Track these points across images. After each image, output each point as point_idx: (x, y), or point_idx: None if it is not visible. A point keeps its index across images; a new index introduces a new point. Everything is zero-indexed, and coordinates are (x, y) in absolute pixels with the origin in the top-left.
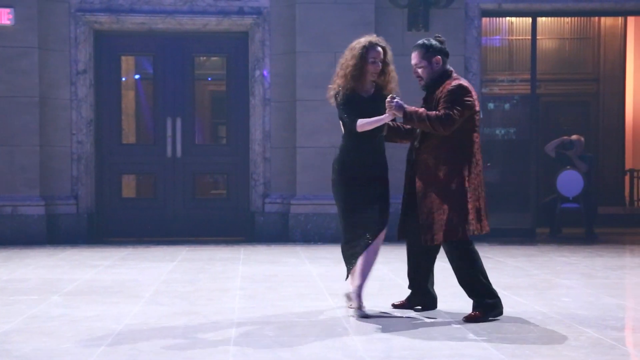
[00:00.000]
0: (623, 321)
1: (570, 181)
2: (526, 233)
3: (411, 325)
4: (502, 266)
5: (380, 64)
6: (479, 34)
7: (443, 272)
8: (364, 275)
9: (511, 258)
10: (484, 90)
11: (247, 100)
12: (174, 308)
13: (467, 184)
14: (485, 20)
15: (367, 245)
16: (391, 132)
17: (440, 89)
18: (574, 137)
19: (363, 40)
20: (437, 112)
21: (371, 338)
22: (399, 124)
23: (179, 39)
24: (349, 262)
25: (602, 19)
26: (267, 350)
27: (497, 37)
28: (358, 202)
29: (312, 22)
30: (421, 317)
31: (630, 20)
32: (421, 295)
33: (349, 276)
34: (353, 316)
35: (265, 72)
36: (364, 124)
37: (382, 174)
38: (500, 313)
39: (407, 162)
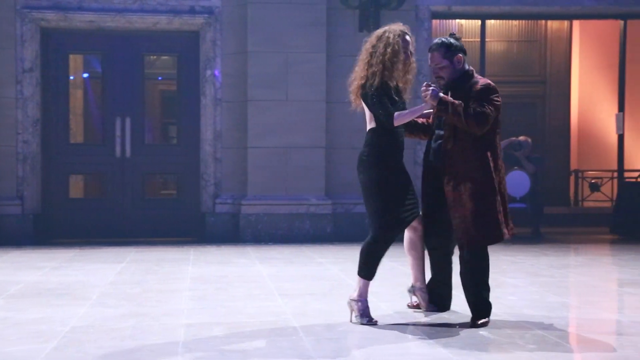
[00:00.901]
0: (567, 319)
1: (517, 181)
2: None
3: (360, 325)
4: None
5: (410, 55)
6: (429, 36)
7: (392, 271)
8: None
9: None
10: None
11: (198, 100)
12: (122, 310)
13: (498, 187)
14: (435, 22)
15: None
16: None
17: (467, 87)
18: (521, 138)
19: (395, 28)
20: (473, 110)
21: (320, 338)
22: None
23: (129, 37)
24: (377, 264)
25: (549, 22)
26: (216, 351)
27: None
28: (406, 197)
29: (264, 21)
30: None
31: (576, 23)
32: (436, 296)
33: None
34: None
35: (216, 72)
36: (401, 117)
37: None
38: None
39: (426, 165)
